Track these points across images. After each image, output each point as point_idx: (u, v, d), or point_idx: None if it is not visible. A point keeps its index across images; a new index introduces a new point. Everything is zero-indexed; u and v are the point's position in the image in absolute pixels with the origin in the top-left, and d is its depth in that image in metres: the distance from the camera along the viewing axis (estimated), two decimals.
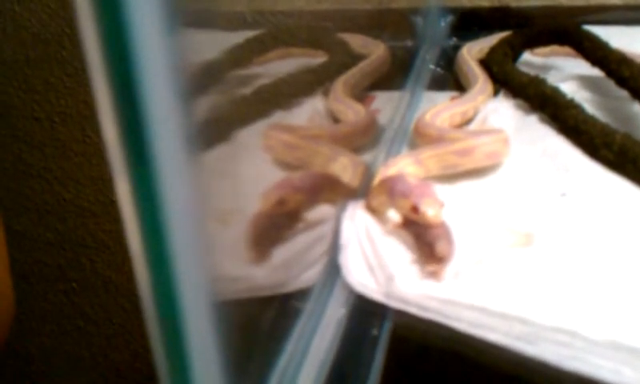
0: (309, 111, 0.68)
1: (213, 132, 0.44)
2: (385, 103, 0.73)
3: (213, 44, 0.51)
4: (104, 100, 0.20)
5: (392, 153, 0.61)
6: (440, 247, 0.42)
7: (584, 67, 0.69)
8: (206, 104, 0.43)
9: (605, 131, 0.56)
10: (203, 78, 0.42)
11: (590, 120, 0.58)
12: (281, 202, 0.44)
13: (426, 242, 0.43)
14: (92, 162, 1.01)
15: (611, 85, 0.64)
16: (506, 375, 0.40)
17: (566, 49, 0.75)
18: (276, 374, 0.34)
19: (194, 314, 0.24)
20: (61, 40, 0.95)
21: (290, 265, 0.43)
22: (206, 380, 0.25)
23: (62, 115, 1.00)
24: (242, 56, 0.59)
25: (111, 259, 1.07)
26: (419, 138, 0.61)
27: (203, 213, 0.25)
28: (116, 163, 0.21)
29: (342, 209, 0.48)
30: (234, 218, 0.42)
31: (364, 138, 0.62)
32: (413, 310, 0.41)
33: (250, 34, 0.60)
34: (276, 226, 0.44)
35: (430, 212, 0.43)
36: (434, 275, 0.42)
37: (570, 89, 0.66)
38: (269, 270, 0.42)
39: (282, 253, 0.44)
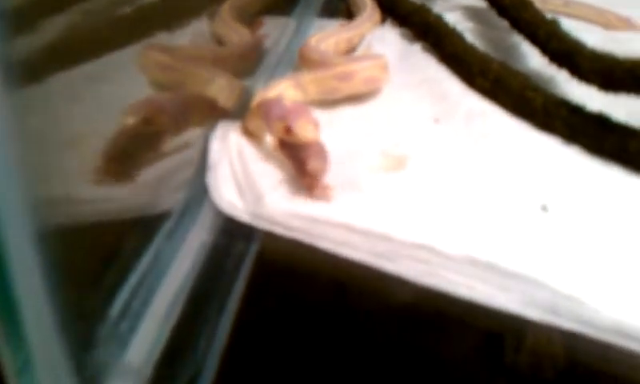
0: (193, 34, 0.65)
1: (63, 54, 0.42)
2: (274, 29, 0.71)
3: None
4: None
5: (276, 78, 0.60)
6: (312, 163, 0.42)
7: None
8: (53, 25, 0.41)
9: (482, 60, 0.57)
10: None
11: (469, 49, 0.59)
12: (144, 121, 0.43)
13: (298, 160, 0.43)
14: None
15: (494, 15, 0.65)
16: (368, 293, 0.41)
17: None
18: (125, 292, 0.33)
19: (17, 242, 0.23)
20: None
21: (155, 186, 0.42)
22: (33, 303, 0.25)
23: None
24: None
25: None
26: (303, 63, 0.60)
27: (21, 137, 0.23)
28: None
29: (211, 129, 0.47)
30: (89, 141, 0.40)
31: (247, 62, 0.61)
32: (279, 230, 0.41)
33: None
34: (136, 144, 0.42)
35: (303, 132, 0.43)
36: (307, 190, 0.42)
37: (454, 18, 0.66)
38: (132, 191, 0.41)
39: (146, 174, 0.43)
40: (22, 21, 0.31)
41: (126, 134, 0.44)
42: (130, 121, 0.43)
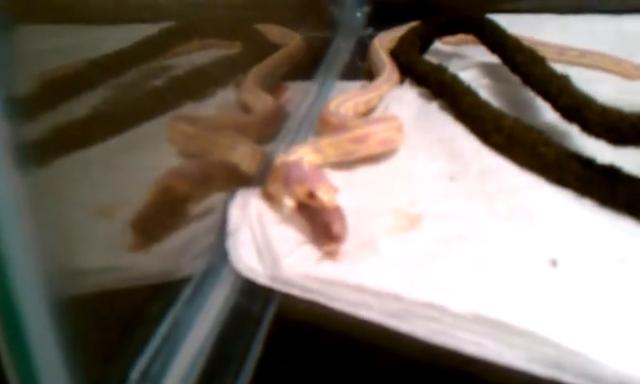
0: (220, 102, 0.69)
1: (96, 128, 0.45)
2: (297, 93, 0.74)
3: (115, 37, 0.52)
4: None
5: (298, 142, 0.63)
6: (335, 227, 0.45)
7: (487, 55, 0.72)
8: (80, 103, 0.44)
9: (496, 116, 0.58)
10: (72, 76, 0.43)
11: (483, 106, 0.60)
12: (166, 190, 0.45)
13: (321, 224, 0.45)
14: None
15: (507, 71, 0.66)
16: (384, 353, 0.42)
17: (474, 37, 0.77)
18: (145, 357, 0.35)
19: (34, 313, 0.26)
20: None
21: (177, 253, 0.44)
22: (50, 371, 0.27)
23: None
24: (154, 48, 0.60)
25: None
26: (323, 127, 0.62)
27: (36, 214, 0.26)
28: None
29: (231, 196, 0.49)
30: (118, 210, 0.43)
31: (270, 127, 0.63)
32: (295, 292, 0.43)
33: (166, 24, 0.61)
34: (161, 213, 0.45)
35: (325, 197, 0.45)
36: (331, 254, 0.44)
37: (469, 76, 0.68)
38: (155, 258, 0.43)
39: (170, 240, 0.45)
40: (36, 105, 0.34)
41: (151, 203, 0.46)
42: (154, 190, 0.46)
